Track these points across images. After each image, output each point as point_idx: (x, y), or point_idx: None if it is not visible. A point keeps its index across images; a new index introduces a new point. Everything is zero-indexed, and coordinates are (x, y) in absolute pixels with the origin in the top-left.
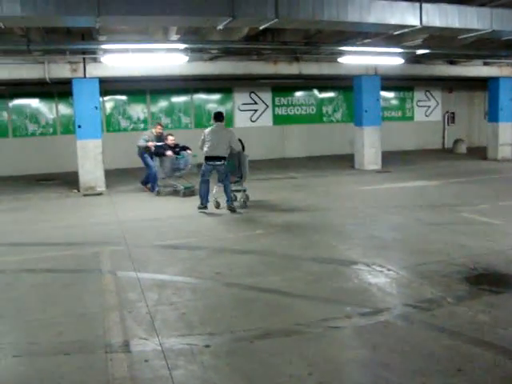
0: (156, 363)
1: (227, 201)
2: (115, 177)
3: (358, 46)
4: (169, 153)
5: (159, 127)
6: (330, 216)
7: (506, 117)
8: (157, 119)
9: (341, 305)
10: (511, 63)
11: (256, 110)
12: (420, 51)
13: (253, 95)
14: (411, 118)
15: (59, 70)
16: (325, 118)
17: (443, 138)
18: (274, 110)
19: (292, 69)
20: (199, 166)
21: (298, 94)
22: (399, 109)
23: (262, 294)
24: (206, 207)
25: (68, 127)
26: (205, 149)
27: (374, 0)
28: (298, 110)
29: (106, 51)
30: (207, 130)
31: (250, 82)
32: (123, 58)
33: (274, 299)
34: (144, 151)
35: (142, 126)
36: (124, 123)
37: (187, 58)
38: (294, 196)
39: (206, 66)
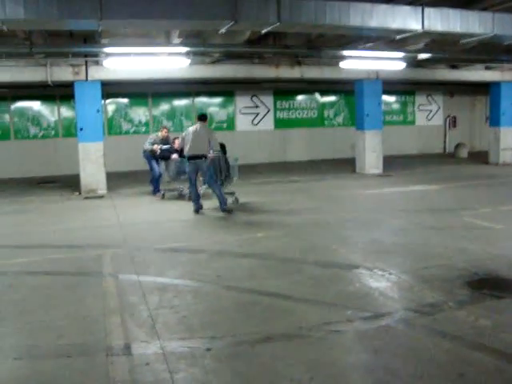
0: (157, 366)
1: (220, 205)
2: (117, 180)
3: (359, 50)
4: (174, 156)
5: (165, 130)
6: (331, 220)
7: (507, 121)
8: (158, 122)
9: (342, 309)
10: None
11: (257, 114)
12: (422, 56)
13: (254, 99)
14: (412, 123)
15: (61, 72)
16: (326, 122)
17: (444, 142)
18: (275, 114)
19: (294, 72)
20: None
21: (300, 97)
22: (401, 113)
23: (262, 298)
24: (197, 211)
25: (70, 130)
26: (186, 148)
27: (376, 4)
28: (299, 113)
29: (108, 54)
30: (190, 129)
31: (251, 86)
32: (125, 61)
33: (275, 303)
34: (150, 154)
35: (143, 129)
36: (126, 126)
37: (189, 62)
38: (294, 199)
39: (207, 69)
